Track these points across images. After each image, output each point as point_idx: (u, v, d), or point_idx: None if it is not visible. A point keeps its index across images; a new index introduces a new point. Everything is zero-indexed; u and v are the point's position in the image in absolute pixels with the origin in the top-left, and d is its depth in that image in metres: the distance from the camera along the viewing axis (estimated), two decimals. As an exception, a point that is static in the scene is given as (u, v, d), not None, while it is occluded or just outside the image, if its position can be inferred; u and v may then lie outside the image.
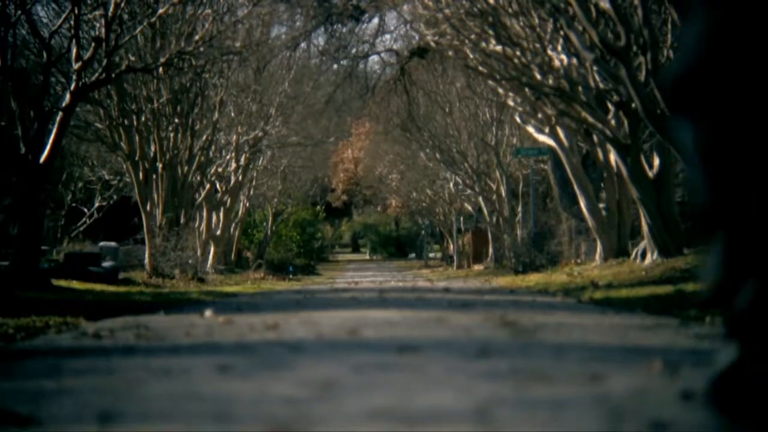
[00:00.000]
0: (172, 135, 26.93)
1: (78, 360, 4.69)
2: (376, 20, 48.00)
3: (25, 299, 10.96)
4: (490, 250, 38.17)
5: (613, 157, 21.71)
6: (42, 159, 13.73)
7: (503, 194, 35.40)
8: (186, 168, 27.76)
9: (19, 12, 14.17)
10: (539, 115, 24.56)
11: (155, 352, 5.12)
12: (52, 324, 7.41)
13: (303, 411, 2.91)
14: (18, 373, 4.26)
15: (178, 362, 4.46)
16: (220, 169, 33.39)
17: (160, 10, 18.35)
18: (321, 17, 42.81)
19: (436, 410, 2.88)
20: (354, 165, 63.21)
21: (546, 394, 3.23)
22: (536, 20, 21.66)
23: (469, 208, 42.71)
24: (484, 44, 22.96)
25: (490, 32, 22.52)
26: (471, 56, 23.97)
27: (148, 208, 26.37)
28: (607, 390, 3.31)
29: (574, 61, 20.79)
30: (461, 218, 46.14)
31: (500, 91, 26.09)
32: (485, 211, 37.83)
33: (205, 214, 33.27)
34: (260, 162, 38.71)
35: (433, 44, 26.93)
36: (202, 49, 21.05)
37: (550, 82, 21.44)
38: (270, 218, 46.71)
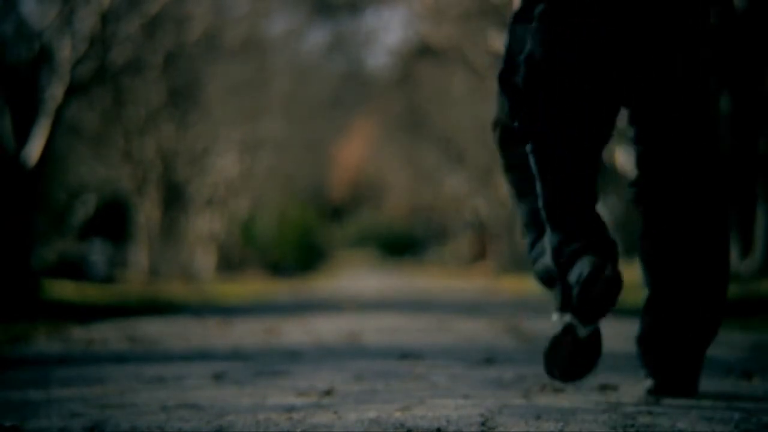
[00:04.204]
0: (169, 133, 26.79)
1: (67, 368, 4.61)
2: (376, 17, 47.97)
3: (13, 303, 10.84)
4: (494, 250, 38.15)
5: (619, 157, 21.61)
6: (32, 160, 13.56)
7: (507, 193, 35.33)
8: (184, 167, 27.65)
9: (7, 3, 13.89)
10: None
11: (148, 359, 5.06)
12: (41, 329, 7.31)
13: (301, 420, 2.83)
14: (3, 382, 4.18)
15: (171, 370, 4.40)
16: (219, 169, 33.30)
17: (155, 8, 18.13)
18: (318, 10, 42.67)
19: (440, 420, 2.80)
20: (355, 164, 63.25)
21: (554, 403, 3.16)
22: None
23: (473, 207, 42.66)
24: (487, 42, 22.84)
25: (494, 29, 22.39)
26: (474, 55, 23.86)
27: (144, 207, 26.26)
28: (617, 400, 3.24)
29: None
30: (464, 218, 46.07)
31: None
32: (489, 210, 37.81)
33: (203, 214, 33.20)
34: (261, 161, 38.63)
35: (435, 42, 26.82)
36: (199, 45, 20.86)
37: None
38: (270, 219, 46.66)
